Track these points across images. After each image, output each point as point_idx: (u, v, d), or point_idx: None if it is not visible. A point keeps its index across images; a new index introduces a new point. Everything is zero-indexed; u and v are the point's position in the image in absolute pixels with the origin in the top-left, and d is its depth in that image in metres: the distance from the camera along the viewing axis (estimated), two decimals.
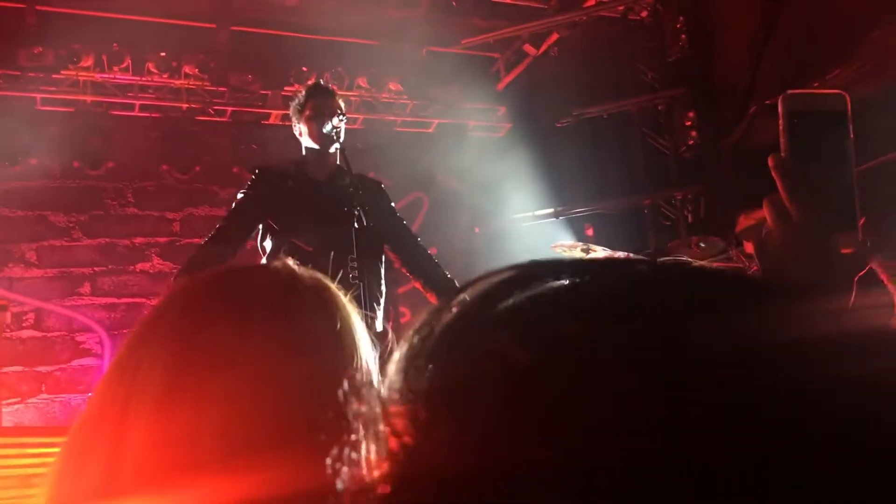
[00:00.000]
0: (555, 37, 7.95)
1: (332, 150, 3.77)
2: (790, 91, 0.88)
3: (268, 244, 3.73)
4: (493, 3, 7.22)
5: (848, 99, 0.87)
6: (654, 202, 7.20)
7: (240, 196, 3.83)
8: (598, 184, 7.70)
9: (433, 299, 3.91)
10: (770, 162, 0.87)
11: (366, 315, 3.38)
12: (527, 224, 7.74)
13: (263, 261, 3.72)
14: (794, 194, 0.86)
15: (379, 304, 3.72)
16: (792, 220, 0.85)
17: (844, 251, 0.86)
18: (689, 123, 6.94)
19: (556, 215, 7.48)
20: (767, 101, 6.13)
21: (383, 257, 3.80)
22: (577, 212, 7.45)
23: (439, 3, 7.65)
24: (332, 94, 3.90)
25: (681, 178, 7.04)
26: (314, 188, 3.77)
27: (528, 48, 8.32)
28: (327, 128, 3.68)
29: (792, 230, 0.85)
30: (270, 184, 3.82)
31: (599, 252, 5.69)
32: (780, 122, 0.87)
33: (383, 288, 3.80)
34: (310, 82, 7.75)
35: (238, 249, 3.78)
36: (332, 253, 3.55)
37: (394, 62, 8.33)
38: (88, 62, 7.39)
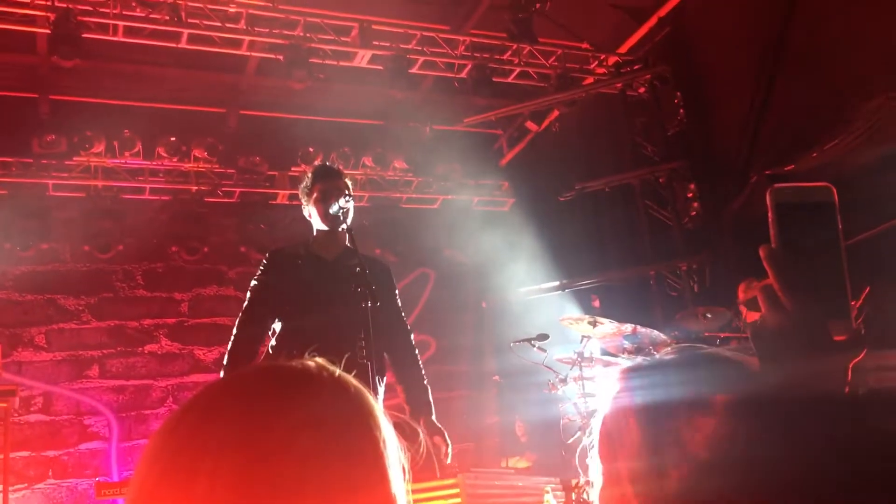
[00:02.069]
0: (555, 114, 8.14)
1: (340, 229, 3.84)
2: (778, 185, 0.91)
3: (277, 325, 3.76)
4: (494, 82, 7.40)
5: (835, 191, 0.90)
6: (659, 273, 7.23)
7: (254, 283, 3.88)
8: (602, 256, 7.75)
9: (401, 394, 3.91)
10: (761, 253, 0.89)
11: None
12: (533, 297, 7.76)
13: (273, 341, 3.75)
14: (786, 284, 0.88)
15: (382, 381, 3.73)
16: (785, 309, 0.87)
17: (838, 338, 0.88)
18: (690, 195, 7.02)
19: (562, 288, 7.51)
20: (767, 171, 6.21)
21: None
22: (582, 284, 7.48)
23: (441, 83, 7.86)
24: (338, 175, 3.98)
25: (685, 249, 7.09)
26: (324, 268, 3.82)
27: (529, 125, 8.50)
28: (334, 209, 3.75)
29: (785, 319, 0.87)
30: (282, 266, 3.87)
31: (606, 324, 5.69)
32: (770, 214, 0.90)
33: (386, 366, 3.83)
34: (317, 162, 7.96)
35: (267, 332, 3.82)
36: (342, 331, 3.57)
37: (398, 141, 8.52)
38: (100, 148, 7.57)
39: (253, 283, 3.88)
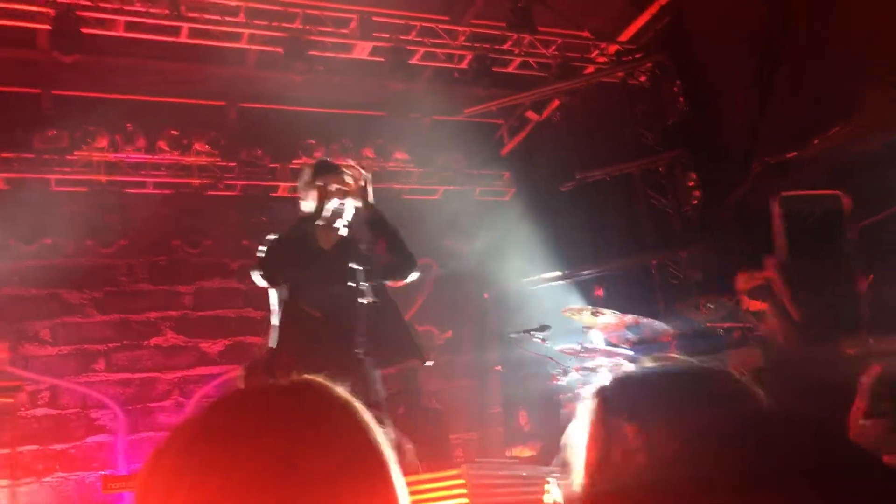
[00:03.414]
0: (556, 103, 8.12)
1: (336, 224, 3.86)
2: (785, 193, 0.89)
3: (279, 308, 3.79)
4: (494, 72, 7.38)
5: (843, 199, 0.88)
6: (661, 262, 7.22)
7: (269, 238, 3.86)
8: (604, 245, 7.75)
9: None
10: (768, 264, 0.87)
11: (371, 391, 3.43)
12: (536, 287, 7.77)
13: (275, 321, 3.77)
14: (796, 297, 0.85)
15: (378, 374, 3.78)
16: (794, 322, 0.86)
17: (849, 352, 0.86)
18: (691, 184, 7.01)
19: (563, 278, 7.51)
20: (769, 159, 6.19)
21: None
22: (584, 274, 7.48)
23: (441, 74, 7.85)
24: (337, 171, 4.00)
25: (686, 238, 7.08)
26: (321, 257, 3.84)
27: (530, 114, 8.48)
28: (333, 205, 3.79)
29: (795, 332, 0.86)
30: (288, 240, 3.87)
31: (608, 315, 5.70)
32: (776, 223, 0.88)
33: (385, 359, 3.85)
34: (317, 154, 7.97)
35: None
36: (340, 325, 3.61)
37: (399, 132, 8.51)
38: (102, 143, 7.59)
39: (268, 238, 3.84)
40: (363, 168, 4.06)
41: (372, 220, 3.89)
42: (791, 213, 0.85)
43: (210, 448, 0.81)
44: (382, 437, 0.87)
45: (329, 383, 0.90)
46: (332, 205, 3.76)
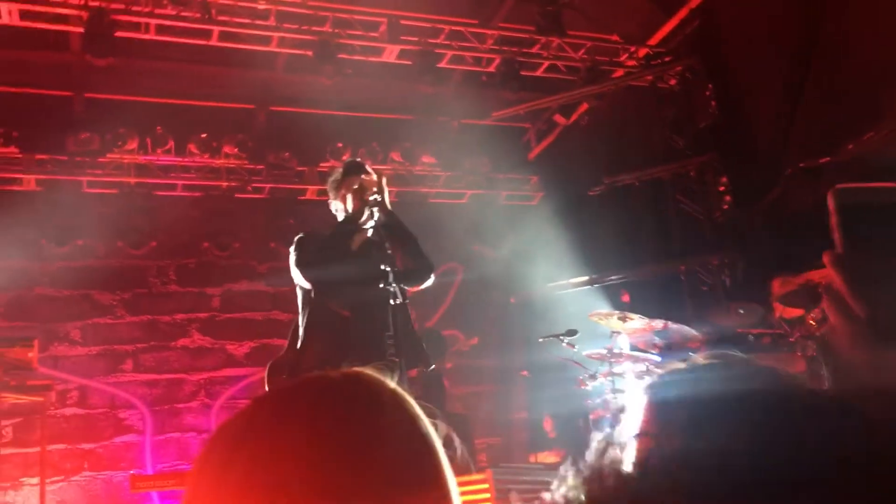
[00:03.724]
0: (584, 107, 8.08)
1: (366, 226, 3.87)
2: (840, 186, 0.83)
3: (306, 307, 3.79)
4: (522, 75, 7.37)
5: None
6: (690, 268, 7.15)
7: (301, 237, 3.91)
8: (632, 251, 7.68)
9: None
10: (826, 259, 0.82)
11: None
12: (562, 292, 7.72)
13: (301, 321, 3.78)
14: (857, 290, 0.80)
15: (406, 375, 3.76)
16: (857, 319, 0.79)
17: None
18: (722, 188, 6.93)
19: (591, 283, 7.46)
20: (802, 164, 6.11)
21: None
22: (612, 279, 7.42)
23: (469, 78, 7.84)
24: (366, 172, 4.01)
25: (716, 243, 7.00)
26: (349, 256, 3.85)
27: (558, 118, 8.46)
28: (366, 205, 3.80)
29: (857, 330, 0.79)
30: (311, 248, 3.90)
31: (636, 320, 5.64)
32: (833, 218, 0.83)
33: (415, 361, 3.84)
34: (345, 158, 7.99)
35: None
36: (368, 325, 3.61)
37: (427, 136, 8.51)
38: (133, 145, 7.66)
39: (305, 236, 3.87)
40: (387, 173, 4.08)
41: (389, 224, 3.89)
42: (848, 205, 0.79)
43: (259, 441, 0.80)
44: (433, 430, 0.86)
45: (379, 376, 0.89)
46: (365, 205, 3.77)
